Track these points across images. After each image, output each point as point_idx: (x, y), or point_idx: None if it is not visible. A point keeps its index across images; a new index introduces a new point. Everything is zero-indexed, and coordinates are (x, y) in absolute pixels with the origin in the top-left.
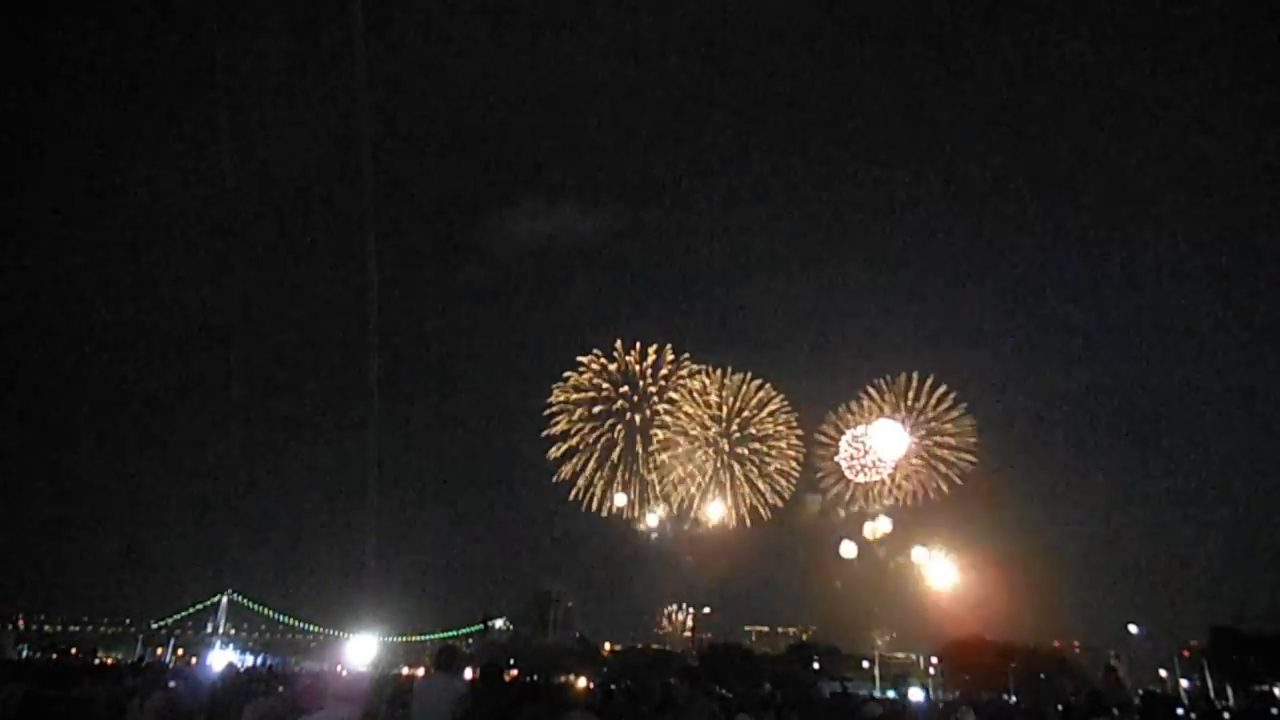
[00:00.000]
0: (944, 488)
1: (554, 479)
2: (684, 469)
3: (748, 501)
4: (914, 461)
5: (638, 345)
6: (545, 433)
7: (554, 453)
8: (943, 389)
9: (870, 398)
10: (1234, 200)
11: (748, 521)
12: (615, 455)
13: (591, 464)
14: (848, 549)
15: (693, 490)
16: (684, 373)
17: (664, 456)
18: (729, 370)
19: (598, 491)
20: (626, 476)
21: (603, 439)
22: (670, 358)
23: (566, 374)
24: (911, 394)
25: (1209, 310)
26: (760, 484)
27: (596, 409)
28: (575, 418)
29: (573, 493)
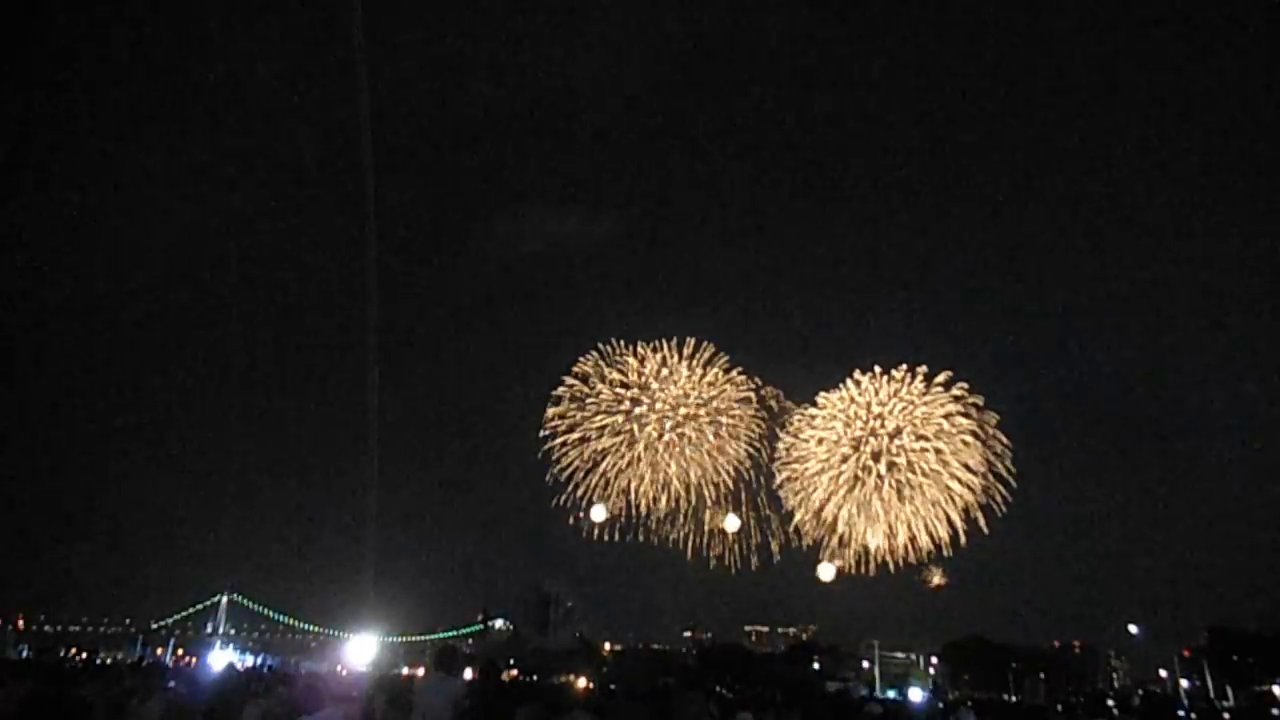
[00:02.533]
0: (963, 531)
1: (554, 503)
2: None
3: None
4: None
5: (634, 346)
6: (544, 448)
7: (551, 476)
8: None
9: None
10: (1241, 197)
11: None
12: (614, 472)
13: (594, 481)
14: (826, 571)
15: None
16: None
17: (685, 463)
18: (763, 385)
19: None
20: (636, 495)
21: (609, 455)
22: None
23: (562, 388)
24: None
25: (1210, 310)
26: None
27: (603, 421)
28: (578, 434)
29: (571, 519)
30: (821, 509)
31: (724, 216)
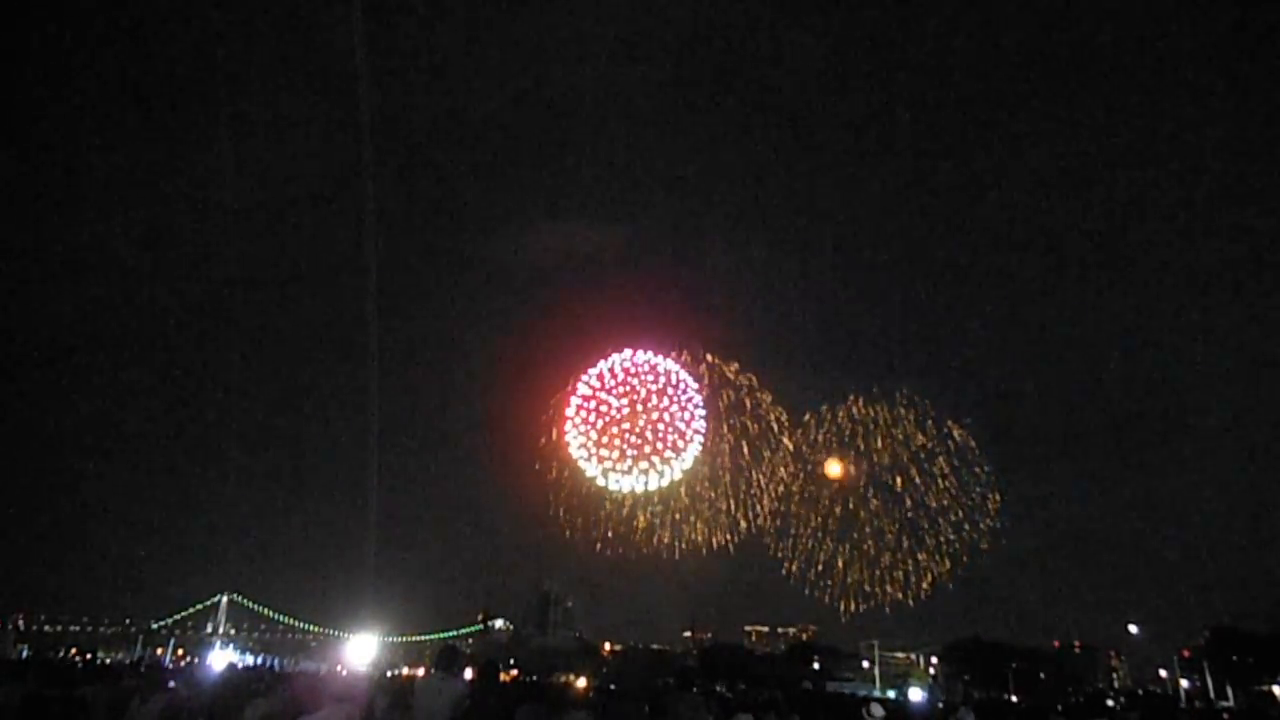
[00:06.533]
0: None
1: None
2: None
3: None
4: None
5: (637, 354)
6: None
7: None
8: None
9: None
10: (1230, 200)
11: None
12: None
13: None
14: None
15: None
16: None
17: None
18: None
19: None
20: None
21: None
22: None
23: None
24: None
25: (1206, 311)
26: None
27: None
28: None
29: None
30: (817, 560)
31: (726, 224)
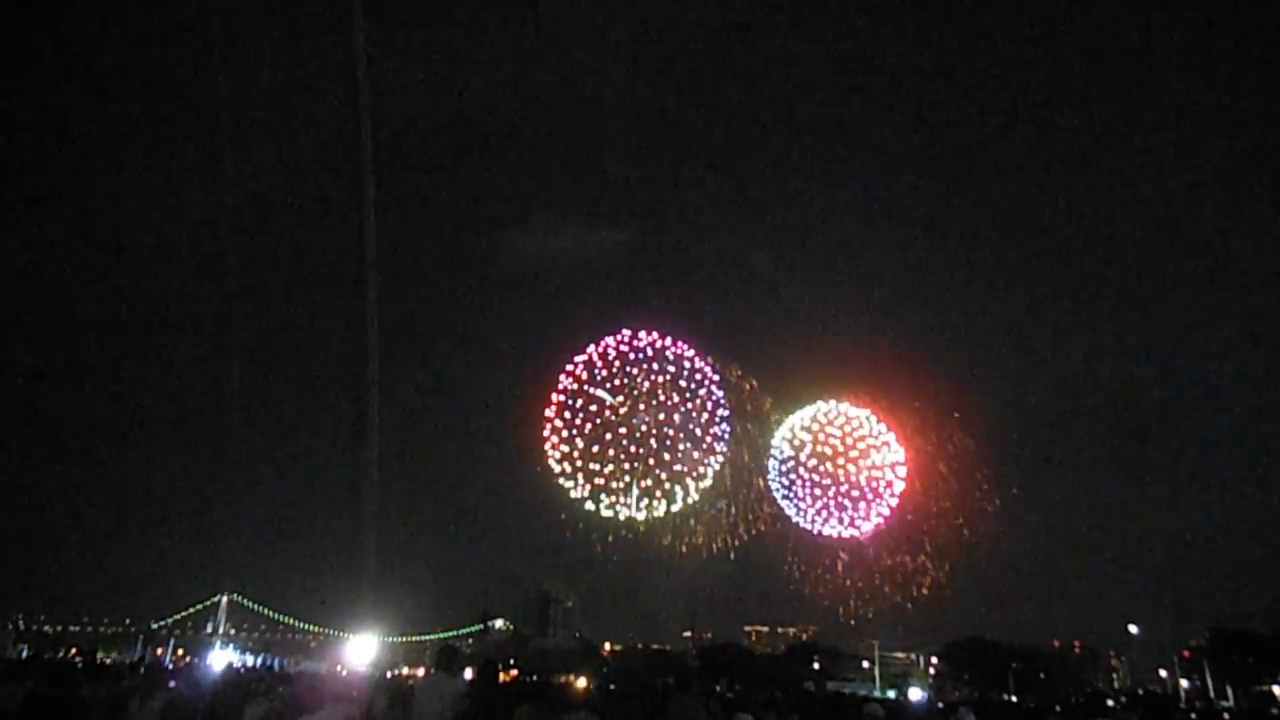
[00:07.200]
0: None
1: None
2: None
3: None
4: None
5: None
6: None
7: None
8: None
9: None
10: (1235, 202)
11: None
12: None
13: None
14: None
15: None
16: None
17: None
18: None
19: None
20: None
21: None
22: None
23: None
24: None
25: (1208, 312)
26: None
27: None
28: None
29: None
30: (817, 561)
31: (727, 226)
